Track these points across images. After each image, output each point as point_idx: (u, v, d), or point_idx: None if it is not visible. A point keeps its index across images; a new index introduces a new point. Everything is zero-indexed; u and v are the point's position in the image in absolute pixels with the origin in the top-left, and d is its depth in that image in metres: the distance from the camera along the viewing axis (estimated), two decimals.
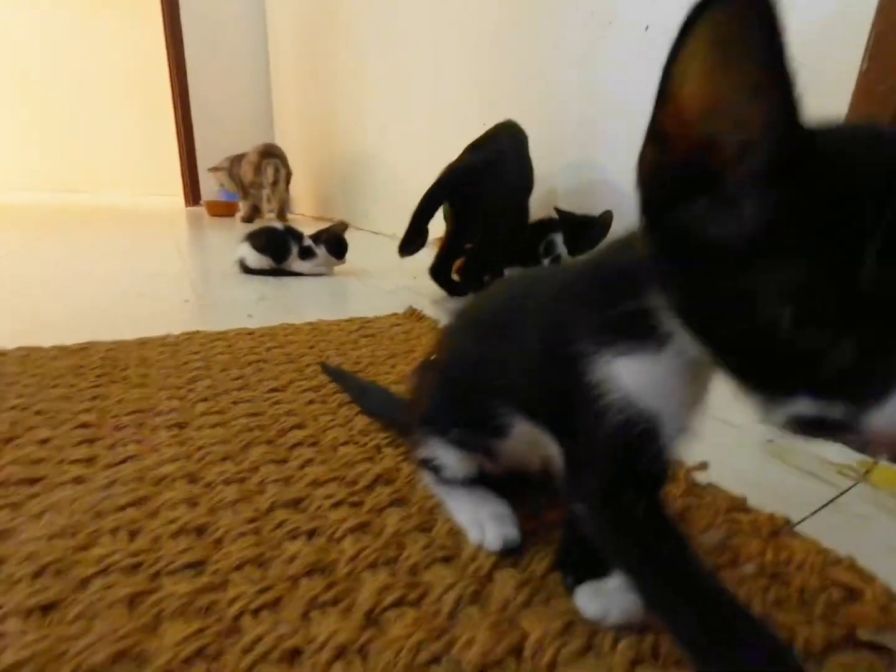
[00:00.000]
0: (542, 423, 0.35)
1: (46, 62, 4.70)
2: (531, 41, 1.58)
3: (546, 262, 1.39)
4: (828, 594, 0.37)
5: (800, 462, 0.59)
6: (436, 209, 1.27)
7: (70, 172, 4.97)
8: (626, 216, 1.37)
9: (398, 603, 0.36)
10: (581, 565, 0.37)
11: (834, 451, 0.60)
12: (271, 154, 2.87)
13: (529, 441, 0.38)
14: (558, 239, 1.36)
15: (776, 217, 0.19)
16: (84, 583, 0.37)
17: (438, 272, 1.33)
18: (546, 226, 1.41)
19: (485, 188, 1.20)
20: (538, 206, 1.65)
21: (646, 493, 0.28)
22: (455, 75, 1.97)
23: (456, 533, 0.43)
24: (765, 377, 0.21)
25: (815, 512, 0.50)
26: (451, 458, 0.44)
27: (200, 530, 0.43)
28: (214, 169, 3.21)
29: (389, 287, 1.45)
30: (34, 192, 4.65)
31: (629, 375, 0.27)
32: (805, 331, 0.19)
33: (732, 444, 0.62)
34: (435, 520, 0.45)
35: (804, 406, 0.20)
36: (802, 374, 0.20)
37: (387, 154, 2.56)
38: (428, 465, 0.45)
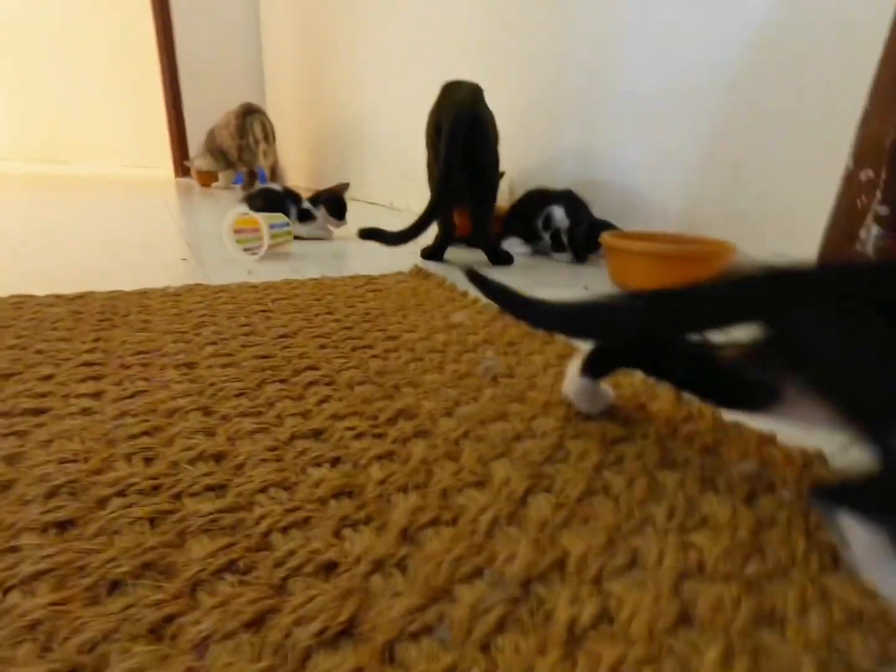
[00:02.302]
0: None
1: (27, 26, 4.52)
2: (541, 6, 1.53)
3: (546, 235, 1.34)
4: None
5: None
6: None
7: (52, 142, 4.80)
8: (626, 187, 1.34)
9: (433, 522, 0.35)
10: None
11: None
12: (252, 111, 2.74)
13: None
14: (557, 213, 1.31)
15: None
16: (101, 502, 0.35)
17: (434, 255, 1.30)
18: (544, 198, 1.34)
19: (477, 143, 1.15)
20: (537, 178, 1.61)
21: None
22: (461, 39, 1.90)
23: (486, 461, 0.42)
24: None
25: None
26: None
27: (219, 457, 0.41)
28: (190, 162, 3.13)
29: (391, 250, 1.41)
30: (14, 161, 4.50)
31: None
32: None
33: None
34: (462, 449, 0.44)
35: None
36: None
37: (386, 121, 2.49)
38: None
